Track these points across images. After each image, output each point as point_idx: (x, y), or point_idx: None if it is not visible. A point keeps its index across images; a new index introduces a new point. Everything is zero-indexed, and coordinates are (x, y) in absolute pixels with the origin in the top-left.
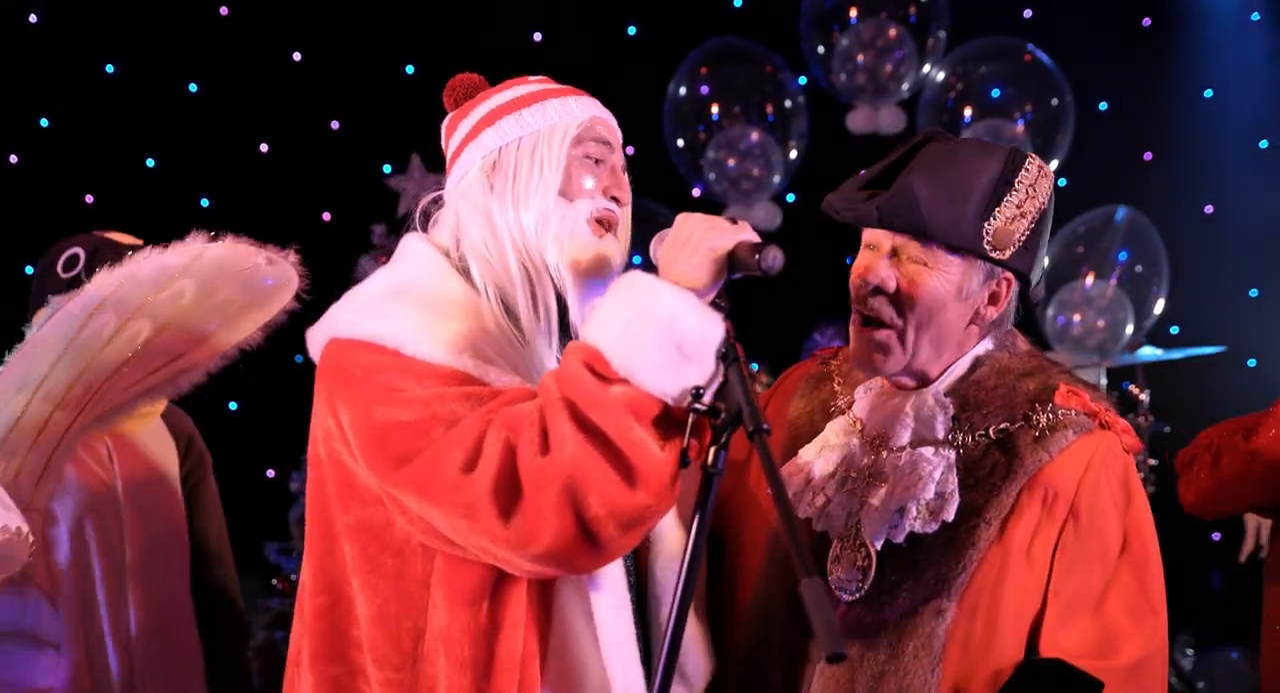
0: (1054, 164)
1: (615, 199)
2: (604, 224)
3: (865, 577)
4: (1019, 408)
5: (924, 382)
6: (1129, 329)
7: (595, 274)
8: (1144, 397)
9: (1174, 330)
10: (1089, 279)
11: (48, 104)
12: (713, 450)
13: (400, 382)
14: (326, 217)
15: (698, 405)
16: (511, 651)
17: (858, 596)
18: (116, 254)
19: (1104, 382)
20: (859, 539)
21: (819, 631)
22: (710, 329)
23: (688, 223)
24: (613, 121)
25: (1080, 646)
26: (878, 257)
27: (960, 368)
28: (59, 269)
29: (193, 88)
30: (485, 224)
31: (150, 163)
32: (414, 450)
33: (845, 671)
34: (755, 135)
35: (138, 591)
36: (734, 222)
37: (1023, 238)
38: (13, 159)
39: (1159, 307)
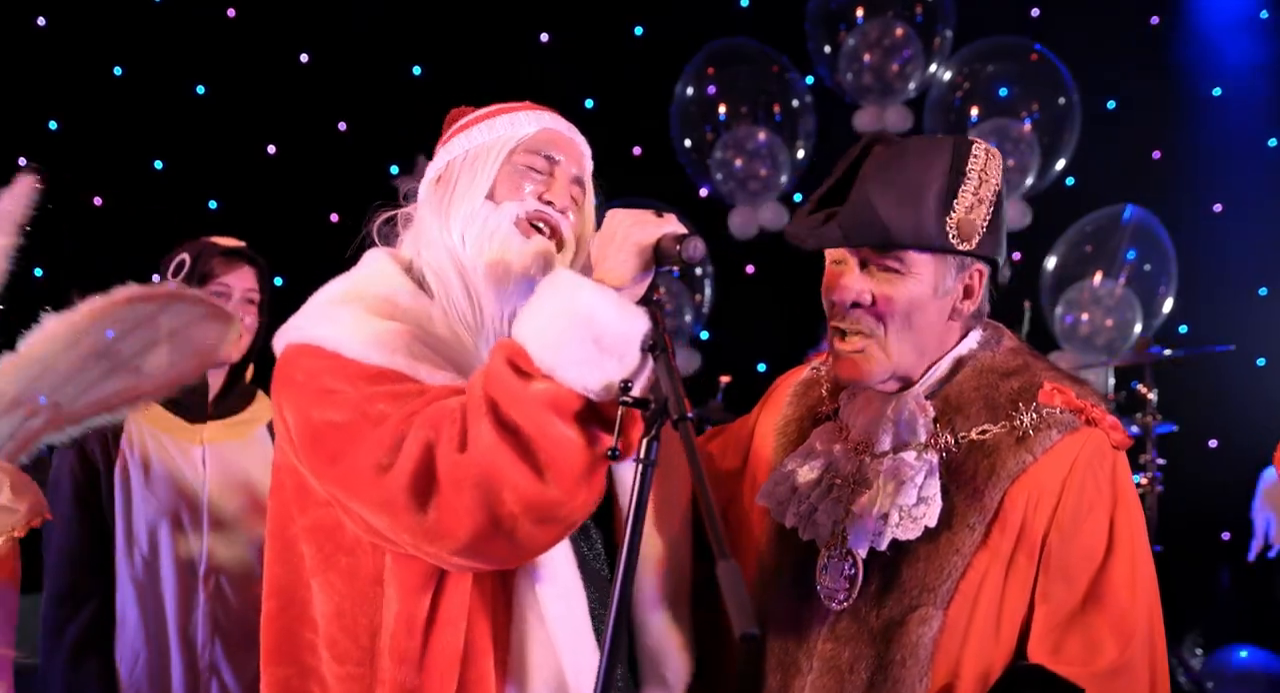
0: (1061, 163)
1: (550, 204)
2: (536, 226)
3: (853, 586)
4: (1002, 408)
5: (907, 384)
6: (1137, 328)
7: (524, 274)
8: (1152, 396)
9: (1182, 330)
10: (1097, 278)
11: (56, 107)
12: (644, 442)
13: (335, 383)
14: (334, 218)
15: (625, 398)
16: (448, 644)
17: (845, 605)
18: (220, 257)
19: (1112, 381)
20: (845, 547)
21: (731, 611)
22: (630, 324)
23: (613, 219)
24: (570, 134)
25: (1066, 650)
26: (847, 270)
27: (942, 369)
28: (170, 276)
29: (200, 90)
30: (427, 233)
31: (158, 165)
32: (343, 450)
33: (834, 680)
34: (762, 135)
35: (210, 599)
36: (660, 214)
37: (984, 224)
38: (21, 162)
39: (1167, 306)
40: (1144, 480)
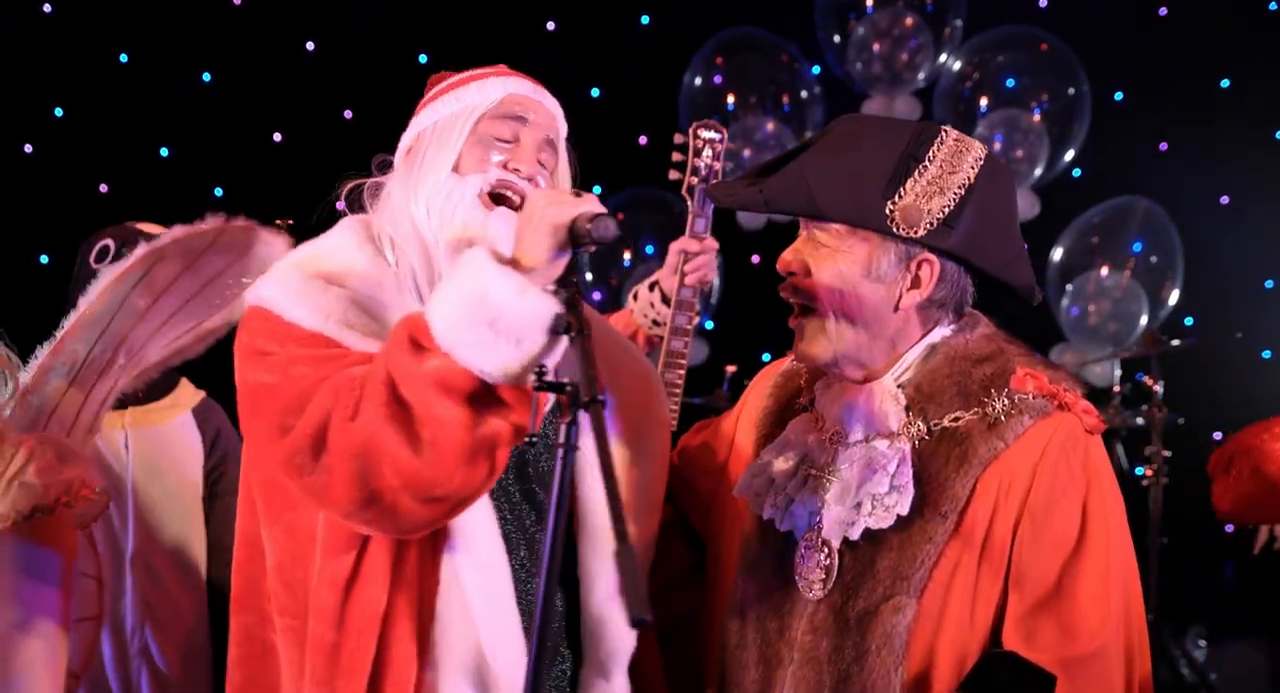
0: (1070, 154)
1: (517, 171)
2: (499, 198)
3: (828, 576)
4: (974, 395)
5: (872, 373)
6: (1143, 320)
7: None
8: (1158, 389)
9: (1188, 321)
10: (1104, 270)
11: (61, 94)
12: (563, 426)
13: (270, 345)
14: (340, 206)
15: (540, 382)
16: (368, 604)
17: (822, 595)
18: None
19: (1118, 373)
20: (821, 538)
21: (623, 595)
22: (529, 307)
23: (532, 199)
24: (538, 96)
25: (1039, 637)
26: (795, 244)
27: (912, 357)
28: (91, 261)
29: (206, 77)
30: (394, 204)
31: (164, 152)
32: (260, 410)
33: (814, 670)
34: (770, 125)
35: (139, 582)
36: (579, 194)
37: (942, 215)
38: (27, 149)
39: (1174, 298)
40: (1149, 472)
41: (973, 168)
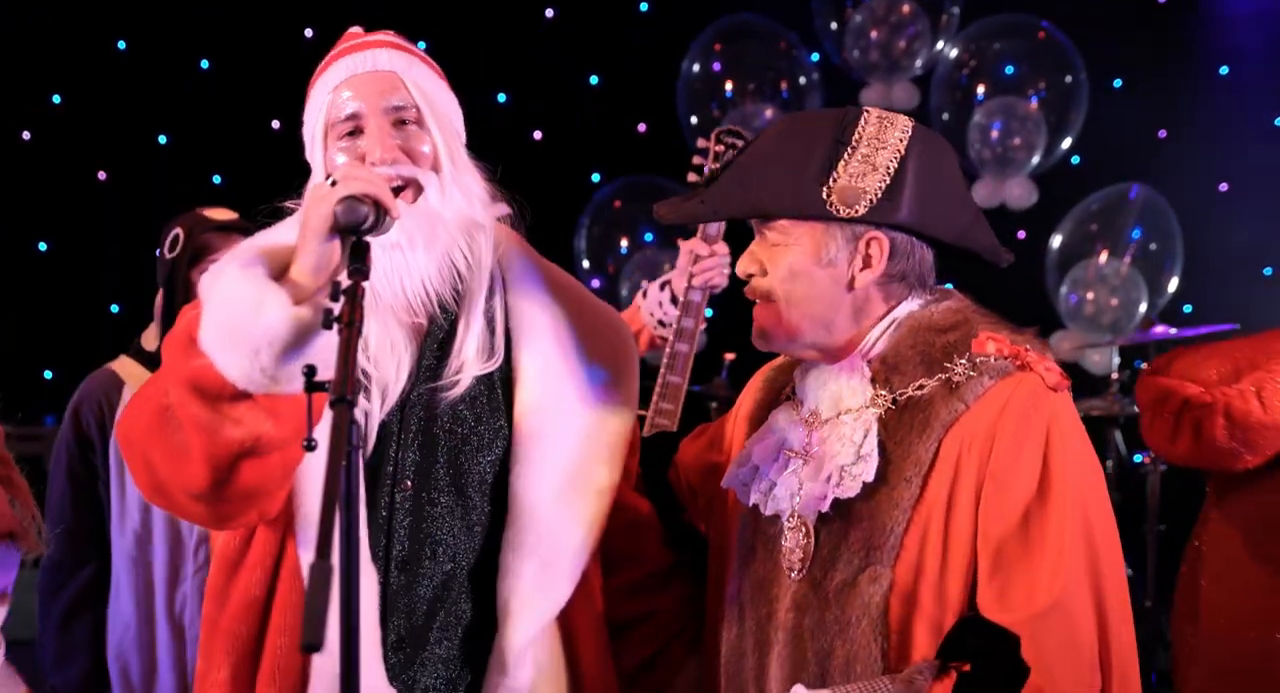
0: (1067, 142)
1: (377, 164)
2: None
3: (806, 554)
4: (937, 362)
5: (839, 353)
6: (1142, 307)
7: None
8: None
9: (1187, 309)
10: (1102, 257)
11: (60, 81)
12: (340, 428)
13: (184, 325)
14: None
15: (306, 382)
16: (249, 587)
17: (803, 573)
18: (214, 231)
19: (1117, 360)
20: (801, 518)
21: (304, 615)
22: (264, 320)
23: (307, 193)
24: (369, 63)
25: (1011, 596)
26: (750, 247)
27: (877, 332)
28: (165, 251)
29: (205, 64)
30: None
31: (162, 140)
32: None
33: (798, 648)
34: (769, 113)
35: (199, 573)
36: (333, 184)
37: (879, 191)
38: (25, 136)
39: (1172, 285)
40: (1146, 460)
41: (901, 140)
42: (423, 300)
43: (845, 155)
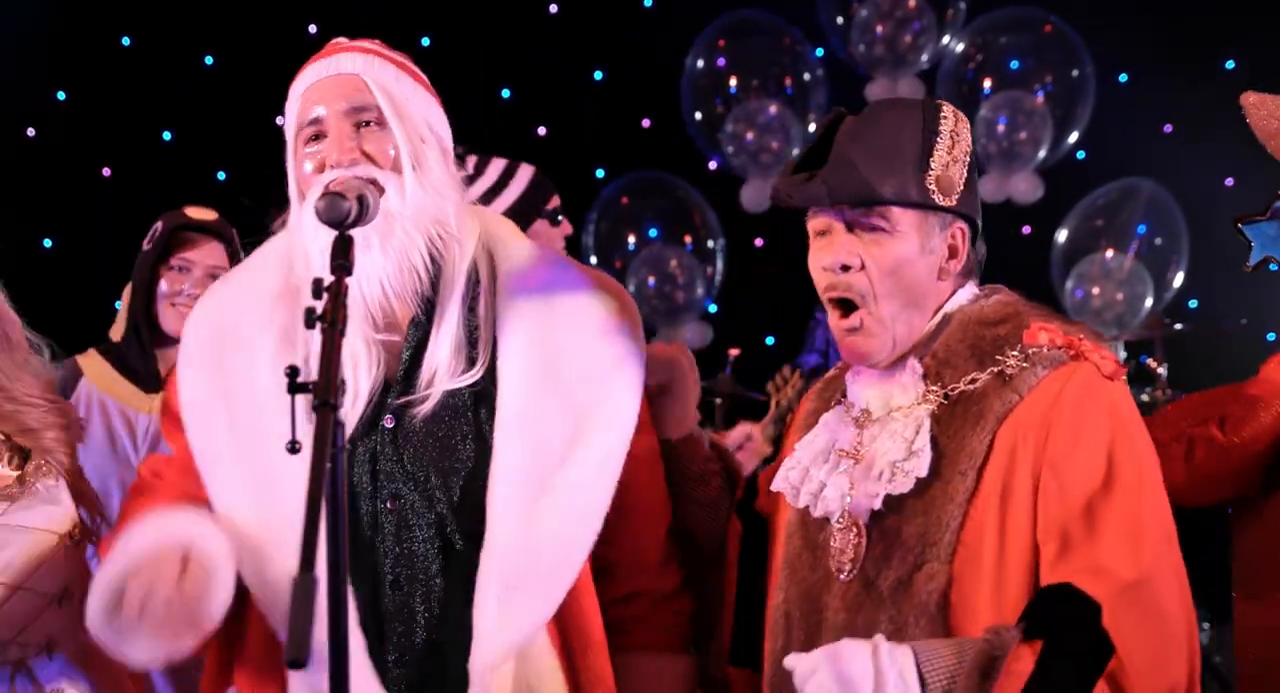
0: (1073, 137)
1: (334, 168)
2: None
3: (858, 553)
4: (989, 355)
5: (902, 353)
6: (1148, 302)
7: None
8: (1162, 370)
9: (1193, 304)
10: (1108, 252)
11: (64, 77)
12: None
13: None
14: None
15: (288, 384)
16: (262, 628)
17: (854, 573)
18: (186, 230)
19: (1123, 355)
20: (852, 518)
21: (288, 630)
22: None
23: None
24: (331, 67)
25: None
26: (835, 235)
27: (929, 327)
28: (145, 242)
29: (209, 61)
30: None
31: (166, 136)
32: None
33: None
34: (774, 108)
35: None
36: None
37: (962, 181)
38: (30, 132)
39: (1178, 280)
40: None
41: (969, 137)
42: (382, 304)
43: (937, 145)
